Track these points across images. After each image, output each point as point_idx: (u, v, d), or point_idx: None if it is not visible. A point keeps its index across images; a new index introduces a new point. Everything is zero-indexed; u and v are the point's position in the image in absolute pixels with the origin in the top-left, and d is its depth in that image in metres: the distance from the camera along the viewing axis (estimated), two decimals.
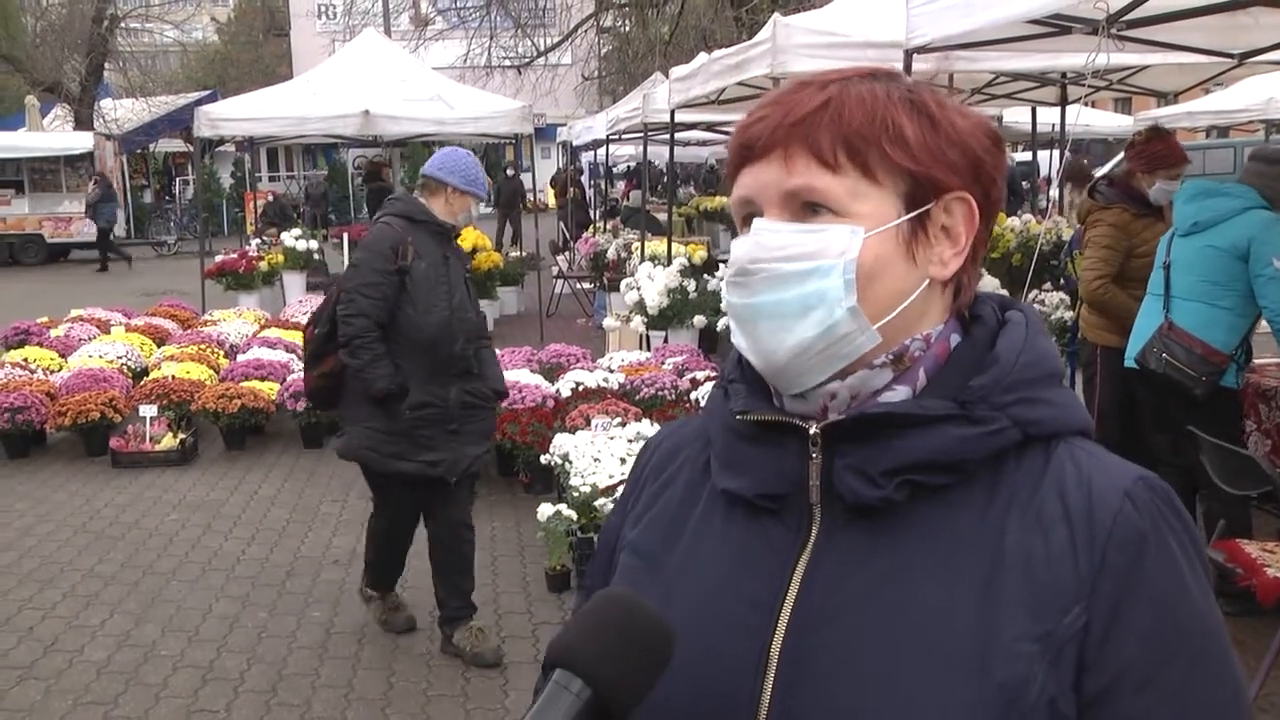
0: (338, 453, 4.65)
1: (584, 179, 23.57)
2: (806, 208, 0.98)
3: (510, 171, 24.47)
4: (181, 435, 7.86)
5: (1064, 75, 8.07)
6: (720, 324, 9.41)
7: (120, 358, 9.21)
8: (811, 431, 1.00)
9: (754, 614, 0.99)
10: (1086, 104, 11.52)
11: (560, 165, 22.17)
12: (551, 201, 29.09)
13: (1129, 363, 4.88)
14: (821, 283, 0.96)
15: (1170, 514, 0.94)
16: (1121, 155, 10.82)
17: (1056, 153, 11.73)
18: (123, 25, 28.38)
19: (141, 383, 8.51)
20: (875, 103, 0.98)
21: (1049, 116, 10.61)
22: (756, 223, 1.00)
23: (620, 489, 4.48)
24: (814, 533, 1.00)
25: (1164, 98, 9.76)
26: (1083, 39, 4.75)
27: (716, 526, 1.06)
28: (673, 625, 0.92)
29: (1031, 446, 0.97)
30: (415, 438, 4.36)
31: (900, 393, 1.00)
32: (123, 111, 27.36)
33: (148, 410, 7.84)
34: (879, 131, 0.97)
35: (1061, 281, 7.64)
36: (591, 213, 20.62)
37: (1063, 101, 9.27)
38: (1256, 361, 5.18)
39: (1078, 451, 0.98)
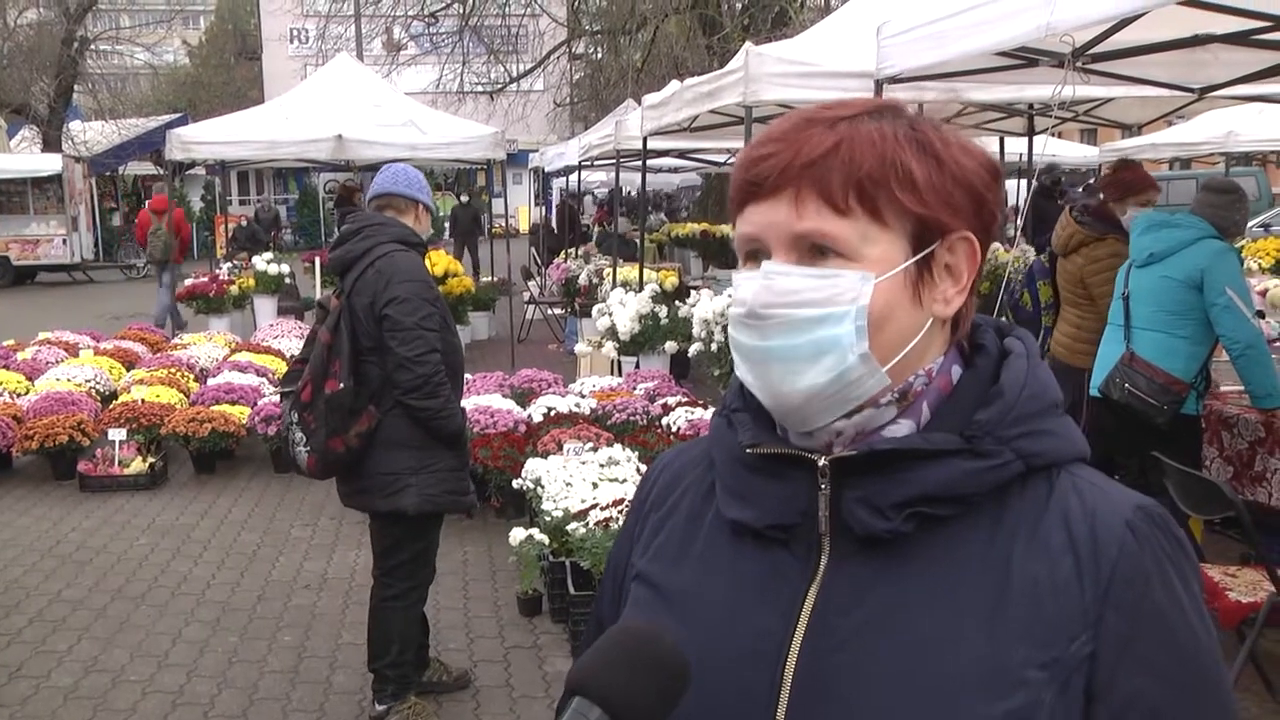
0: (410, 511, 4.04)
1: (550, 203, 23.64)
2: (815, 250, 0.99)
3: (465, 198, 24.44)
4: (151, 459, 7.80)
5: (1031, 106, 8.20)
6: (692, 349, 9.46)
7: (89, 381, 9.14)
8: (820, 464, 1.02)
9: (766, 642, 1.01)
10: (1053, 135, 11.69)
11: (558, 195, 22.12)
12: (523, 226, 29.13)
13: (1093, 392, 4.96)
14: (834, 329, 0.97)
15: (1169, 543, 0.98)
16: (1090, 181, 10.99)
17: (1024, 182, 11.90)
18: (93, 47, 28.25)
19: (110, 406, 8.44)
20: (885, 144, 0.99)
21: (1016, 146, 10.77)
22: (766, 265, 1.00)
23: (593, 512, 4.48)
24: (823, 563, 1.02)
25: (1128, 129, 9.94)
26: (1049, 71, 4.85)
27: (724, 555, 1.07)
28: (687, 656, 0.94)
29: (1034, 476, 1.00)
30: (467, 467, 4.27)
31: (904, 426, 1.02)
32: (92, 134, 27.21)
33: (116, 434, 7.78)
34: (889, 174, 0.98)
35: (1011, 311, 7.64)
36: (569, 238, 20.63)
37: (1030, 132, 9.42)
38: (1219, 389, 5.28)
39: (1079, 480, 1.00)
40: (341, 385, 3.95)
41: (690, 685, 0.94)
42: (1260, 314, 6.12)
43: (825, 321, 0.98)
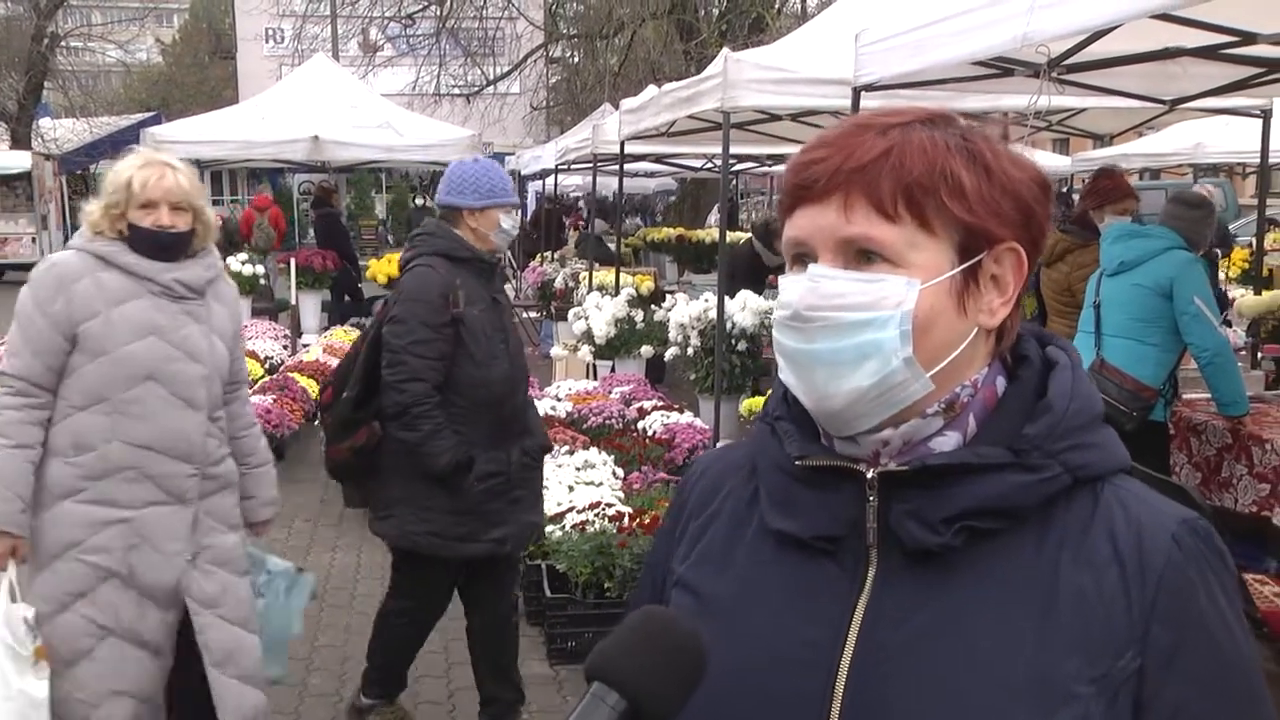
0: (387, 541, 3.90)
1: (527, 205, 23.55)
2: (861, 255, 0.99)
3: (421, 202, 24.23)
4: None
5: (1006, 115, 8.29)
6: (668, 354, 9.49)
7: None
8: (869, 476, 1.02)
9: (814, 653, 1.01)
10: (1027, 144, 11.81)
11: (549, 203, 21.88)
12: None
13: None
14: (878, 333, 0.98)
15: (1213, 556, 0.99)
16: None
17: None
18: (63, 44, 27.99)
19: None
20: (935, 152, 0.99)
21: None
22: (813, 269, 1.01)
23: (569, 515, 4.41)
24: (871, 574, 1.02)
25: (1100, 139, 10.09)
26: (1024, 81, 4.91)
27: (768, 565, 1.08)
28: (706, 642, 0.95)
29: (1080, 488, 1.00)
30: (483, 513, 3.73)
31: (951, 439, 1.02)
32: (63, 131, 26.95)
33: None
34: (938, 183, 0.98)
35: None
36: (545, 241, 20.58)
37: (1004, 141, 9.51)
38: (1187, 396, 5.37)
39: (1123, 492, 1.01)
40: (344, 394, 3.77)
41: (706, 670, 0.95)
42: (1227, 323, 6.22)
43: (870, 325, 0.98)
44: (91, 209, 3.10)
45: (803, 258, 1.03)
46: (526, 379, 4.00)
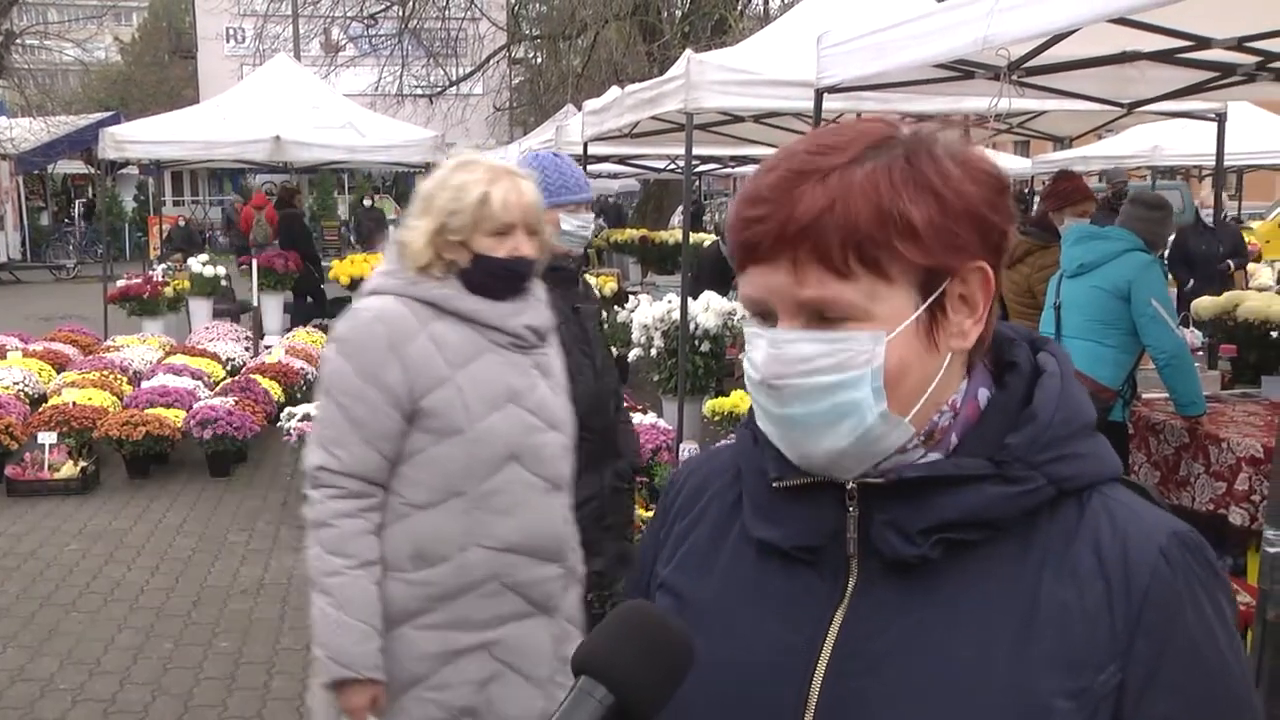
0: None
1: None
2: (821, 316, 0.96)
3: (369, 202, 23.95)
4: (83, 463, 7.65)
5: (967, 118, 8.35)
6: (631, 355, 9.49)
7: (17, 384, 8.94)
8: (849, 487, 1.01)
9: (791, 660, 1.00)
10: (988, 146, 11.92)
11: None
12: None
13: None
14: (852, 394, 0.95)
15: (1202, 569, 0.96)
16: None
17: None
18: (19, 42, 27.53)
19: (40, 409, 8.28)
20: (880, 194, 0.94)
21: None
22: (772, 334, 0.98)
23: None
24: (850, 584, 1.01)
25: (1060, 142, 10.18)
26: (985, 84, 4.96)
27: (749, 571, 1.07)
28: (692, 637, 0.95)
29: (1065, 499, 0.98)
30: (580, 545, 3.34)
31: (933, 454, 1.01)
32: (19, 131, 26.49)
33: (46, 437, 7.63)
34: (888, 230, 0.94)
35: None
36: None
37: (963, 142, 9.59)
38: (1146, 396, 5.44)
39: (1111, 503, 0.98)
40: None
41: (693, 664, 0.95)
42: (1184, 324, 6.30)
43: (841, 387, 0.95)
44: (412, 237, 2.34)
45: (762, 313, 1.00)
46: (618, 395, 3.55)
